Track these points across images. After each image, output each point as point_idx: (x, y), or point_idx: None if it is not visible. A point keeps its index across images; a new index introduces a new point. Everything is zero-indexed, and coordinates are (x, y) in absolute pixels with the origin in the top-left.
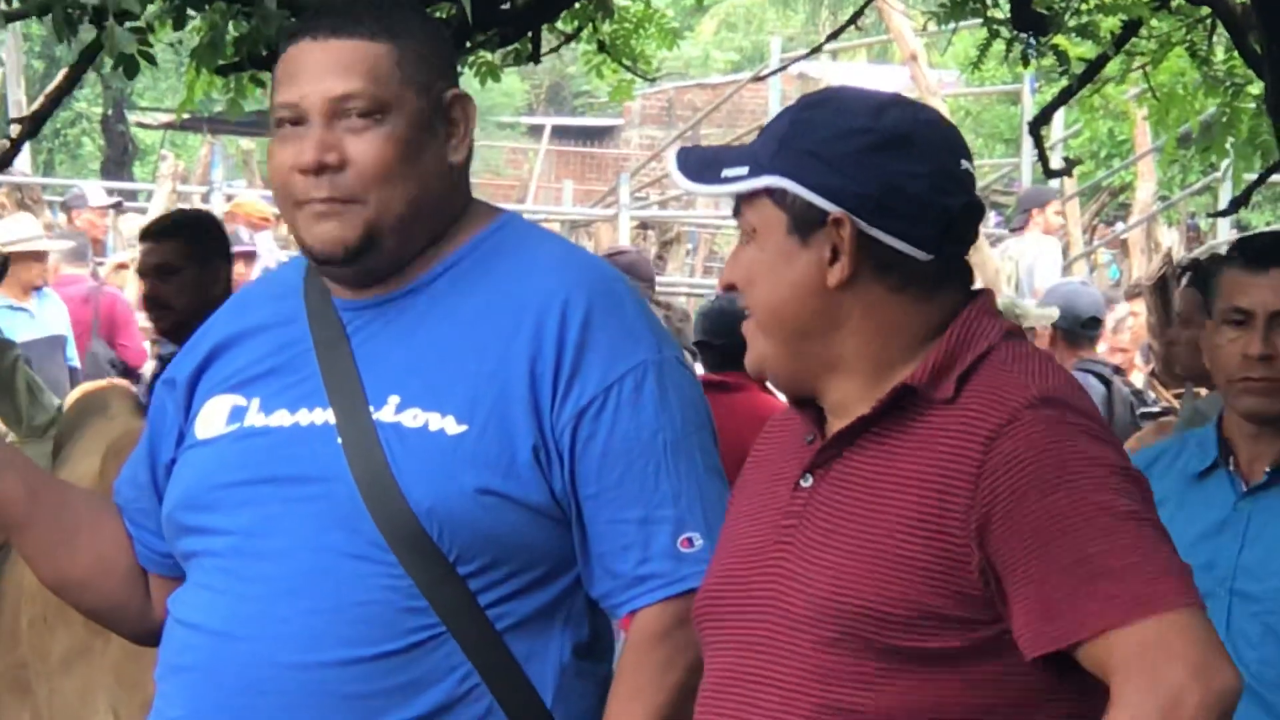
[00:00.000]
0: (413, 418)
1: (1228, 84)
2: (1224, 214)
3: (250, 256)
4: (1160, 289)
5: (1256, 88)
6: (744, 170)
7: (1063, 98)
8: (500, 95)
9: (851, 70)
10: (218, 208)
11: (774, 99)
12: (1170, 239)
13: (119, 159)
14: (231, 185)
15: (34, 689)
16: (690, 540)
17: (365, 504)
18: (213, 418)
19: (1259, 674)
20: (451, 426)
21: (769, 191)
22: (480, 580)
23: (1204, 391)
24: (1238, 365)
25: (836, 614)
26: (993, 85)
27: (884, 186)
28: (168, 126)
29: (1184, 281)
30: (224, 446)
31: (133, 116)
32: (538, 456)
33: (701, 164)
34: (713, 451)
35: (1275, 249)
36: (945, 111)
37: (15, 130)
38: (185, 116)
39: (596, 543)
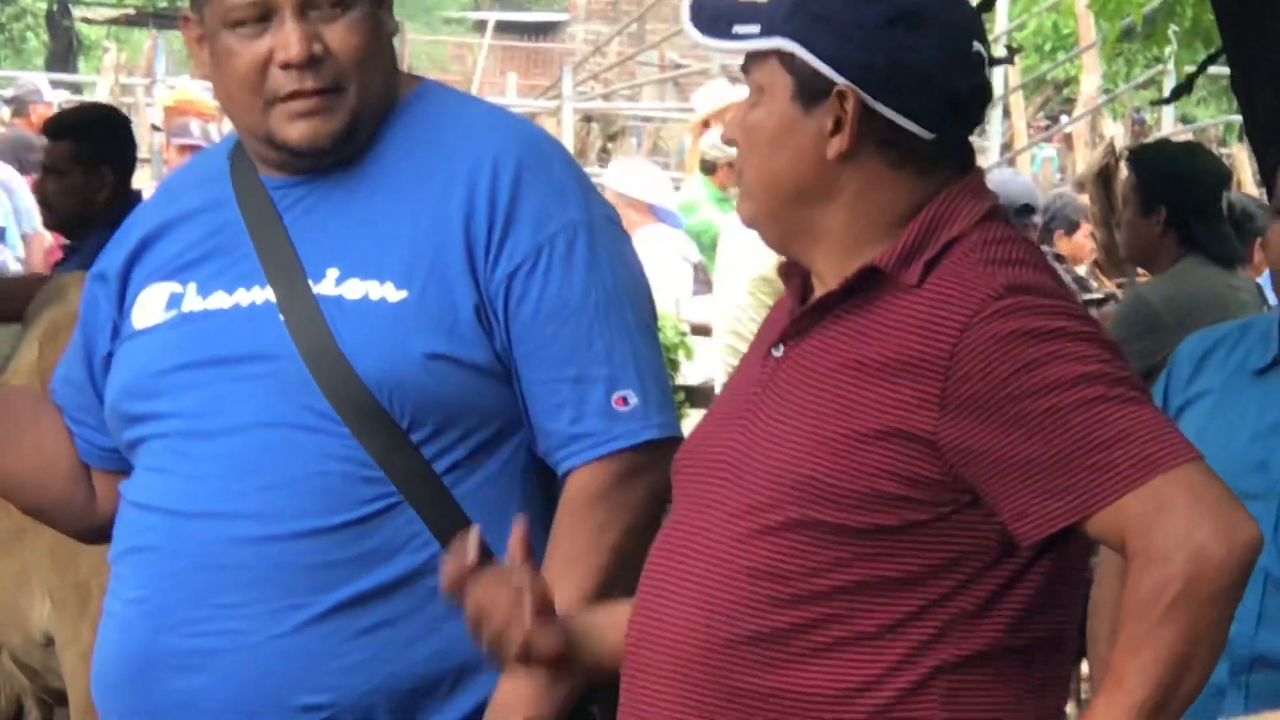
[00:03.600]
0: (353, 289)
1: None
2: (1165, 102)
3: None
4: (1103, 179)
5: None
6: (756, 28)
7: None
8: None
9: None
10: (161, 100)
11: None
12: (1115, 132)
13: (63, 54)
14: (175, 79)
15: None
16: (625, 399)
17: (313, 378)
18: (149, 307)
19: None
20: (392, 294)
21: (779, 53)
22: (433, 446)
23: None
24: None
25: (783, 483)
26: None
27: (892, 61)
28: (112, 22)
29: (1125, 169)
30: (164, 333)
31: (77, 11)
32: (479, 316)
33: (714, 17)
34: (646, 309)
35: None
36: None
37: None
38: (130, 11)
39: (532, 402)
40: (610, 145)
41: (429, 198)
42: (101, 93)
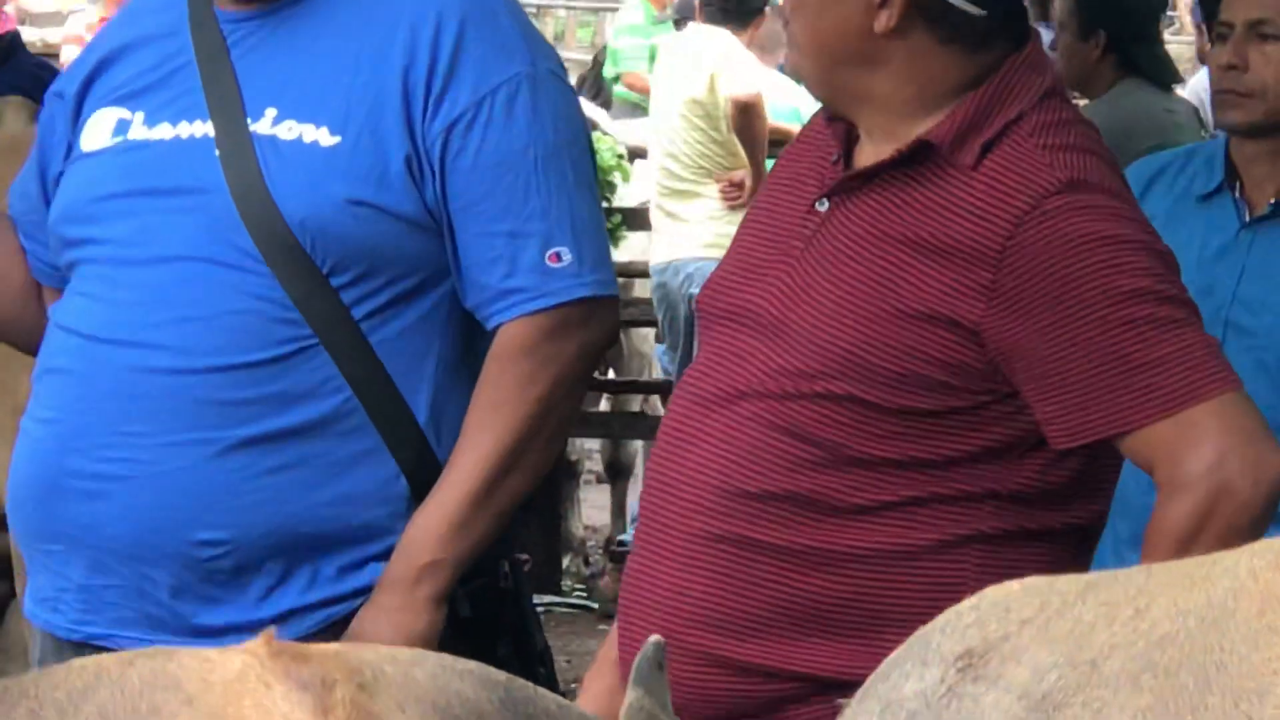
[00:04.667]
0: (288, 130)
1: None
2: None
3: None
4: (1040, 3)
5: None
6: None
7: None
8: None
9: None
10: None
11: None
12: None
13: None
14: None
15: None
16: (558, 255)
17: (240, 215)
18: (98, 130)
19: None
20: (325, 138)
21: None
22: (353, 292)
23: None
24: (1216, 78)
25: (826, 354)
26: None
27: None
28: None
29: None
30: (107, 159)
31: None
32: (410, 167)
33: None
34: (585, 166)
35: None
36: None
37: None
38: None
39: (466, 255)
40: None
41: (372, 45)
42: None
